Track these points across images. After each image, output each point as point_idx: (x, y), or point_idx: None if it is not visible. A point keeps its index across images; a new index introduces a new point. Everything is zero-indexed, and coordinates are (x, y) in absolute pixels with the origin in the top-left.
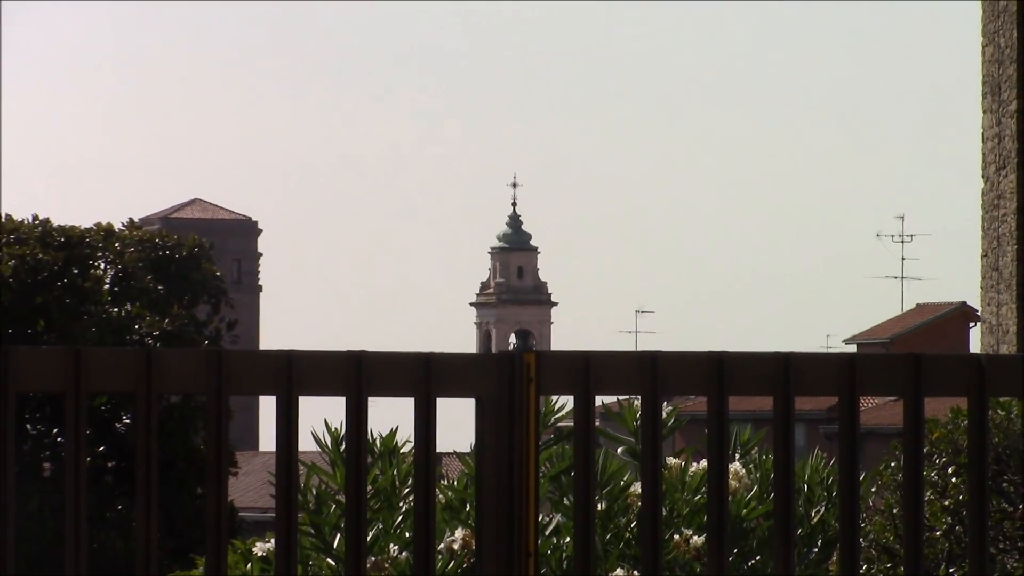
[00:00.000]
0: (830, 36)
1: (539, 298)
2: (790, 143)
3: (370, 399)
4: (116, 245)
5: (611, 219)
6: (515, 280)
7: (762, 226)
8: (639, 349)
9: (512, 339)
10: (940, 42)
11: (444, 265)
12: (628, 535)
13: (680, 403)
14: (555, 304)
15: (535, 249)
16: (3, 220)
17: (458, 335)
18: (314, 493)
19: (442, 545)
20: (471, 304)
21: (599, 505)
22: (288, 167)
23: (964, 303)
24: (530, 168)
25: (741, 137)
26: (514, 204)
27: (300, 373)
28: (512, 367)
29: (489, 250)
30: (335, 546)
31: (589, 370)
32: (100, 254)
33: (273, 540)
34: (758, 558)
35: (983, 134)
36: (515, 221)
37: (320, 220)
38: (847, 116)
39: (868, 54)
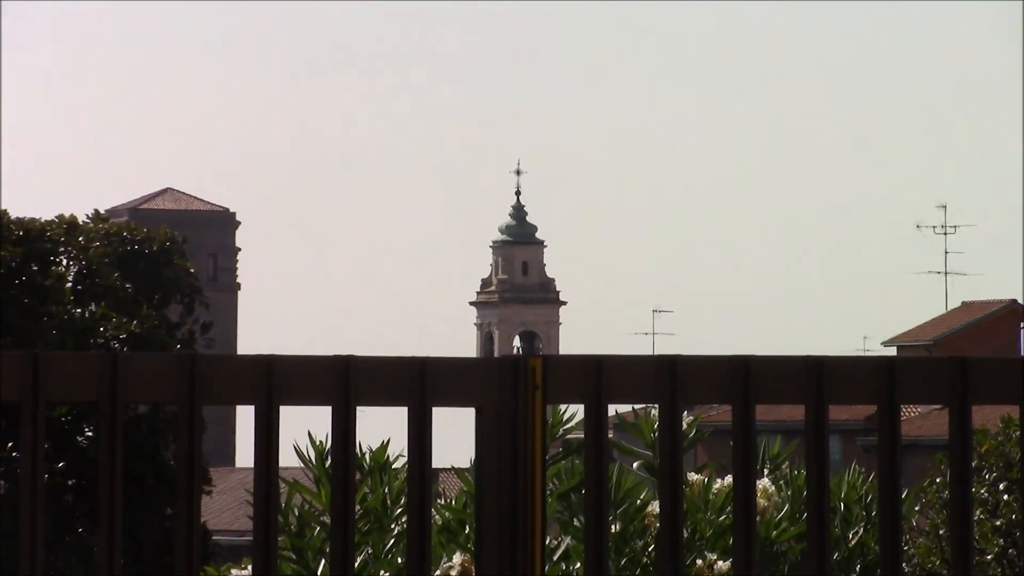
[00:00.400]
0: (868, 22)
1: (546, 296)
2: (822, 129)
3: (359, 409)
4: (80, 239)
5: (624, 210)
6: (519, 277)
7: (792, 218)
8: (656, 353)
9: (516, 342)
10: (983, 29)
11: (441, 261)
12: (645, 560)
13: (702, 413)
14: (563, 303)
15: (541, 242)
16: None
17: (456, 337)
18: (296, 514)
19: (438, 572)
20: (471, 303)
21: (613, 526)
22: (270, 153)
23: (1014, 301)
24: (535, 154)
25: (770, 123)
26: (518, 193)
27: (281, 380)
28: (516, 373)
29: (491, 244)
30: (319, 573)
31: (601, 376)
32: (62, 249)
33: (250, 567)
34: None
35: None
36: (519, 212)
37: (304, 211)
38: (883, 101)
39: (909, 40)
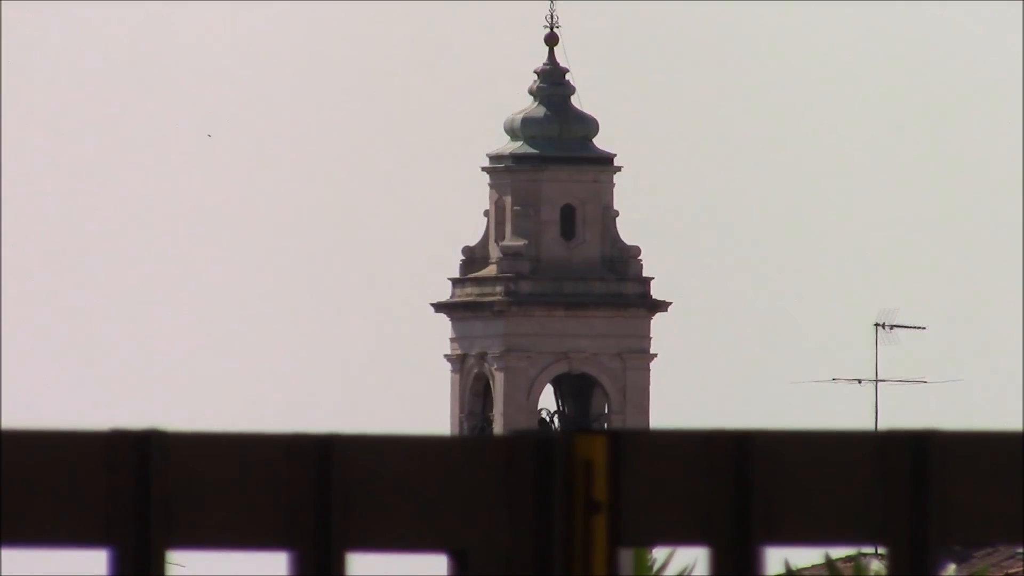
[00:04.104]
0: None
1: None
2: None
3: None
4: None
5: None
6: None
7: None
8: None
9: (545, 406)
10: None
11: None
12: None
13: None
14: (660, 306)
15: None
16: None
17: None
18: None
19: None
20: (433, 308)
21: None
22: None
23: None
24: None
25: None
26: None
27: None
28: (545, 469)
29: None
30: None
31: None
32: None
33: None
34: None
35: None
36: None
37: None
38: None
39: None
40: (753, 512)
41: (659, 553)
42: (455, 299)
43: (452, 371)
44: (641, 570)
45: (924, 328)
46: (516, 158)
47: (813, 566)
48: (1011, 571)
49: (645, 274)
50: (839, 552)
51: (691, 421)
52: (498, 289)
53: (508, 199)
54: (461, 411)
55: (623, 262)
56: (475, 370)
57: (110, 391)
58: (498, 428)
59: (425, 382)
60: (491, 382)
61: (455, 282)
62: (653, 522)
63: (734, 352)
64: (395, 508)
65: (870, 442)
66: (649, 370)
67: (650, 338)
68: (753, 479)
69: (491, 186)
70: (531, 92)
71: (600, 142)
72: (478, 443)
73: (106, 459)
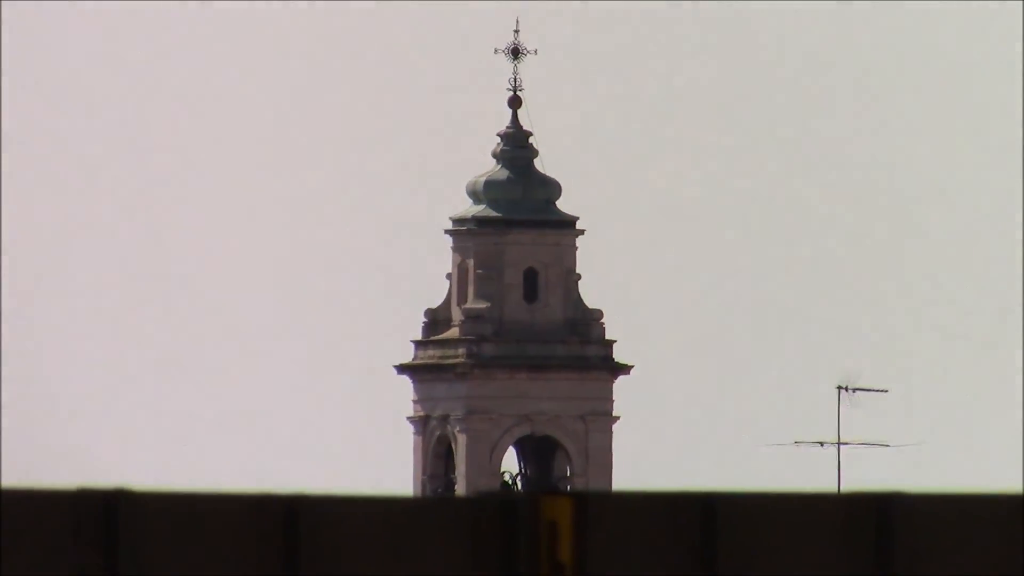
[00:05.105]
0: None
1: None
2: None
3: None
4: None
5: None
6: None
7: None
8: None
9: (507, 468)
10: None
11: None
12: None
13: None
14: (622, 369)
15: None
16: None
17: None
18: None
19: None
20: (396, 370)
21: None
22: None
23: None
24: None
25: None
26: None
27: None
28: (510, 530)
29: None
30: None
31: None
32: None
33: None
34: None
35: None
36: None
37: None
38: None
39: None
40: (719, 574)
41: None
42: (418, 361)
43: (415, 433)
44: None
45: (886, 391)
46: (479, 221)
47: None
48: None
49: (608, 337)
50: None
51: (654, 484)
52: (461, 351)
53: (471, 262)
54: (424, 473)
55: (586, 325)
56: (437, 432)
57: (76, 450)
58: (460, 490)
59: (388, 443)
60: (453, 444)
61: (418, 344)
62: None
63: (696, 415)
64: (361, 566)
65: (835, 504)
66: (612, 432)
67: (612, 400)
68: (718, 541)
69: (454, 249)
70: (494, 155)
71: (563, 205)
72: (443, 504)
73: (74, 517)
